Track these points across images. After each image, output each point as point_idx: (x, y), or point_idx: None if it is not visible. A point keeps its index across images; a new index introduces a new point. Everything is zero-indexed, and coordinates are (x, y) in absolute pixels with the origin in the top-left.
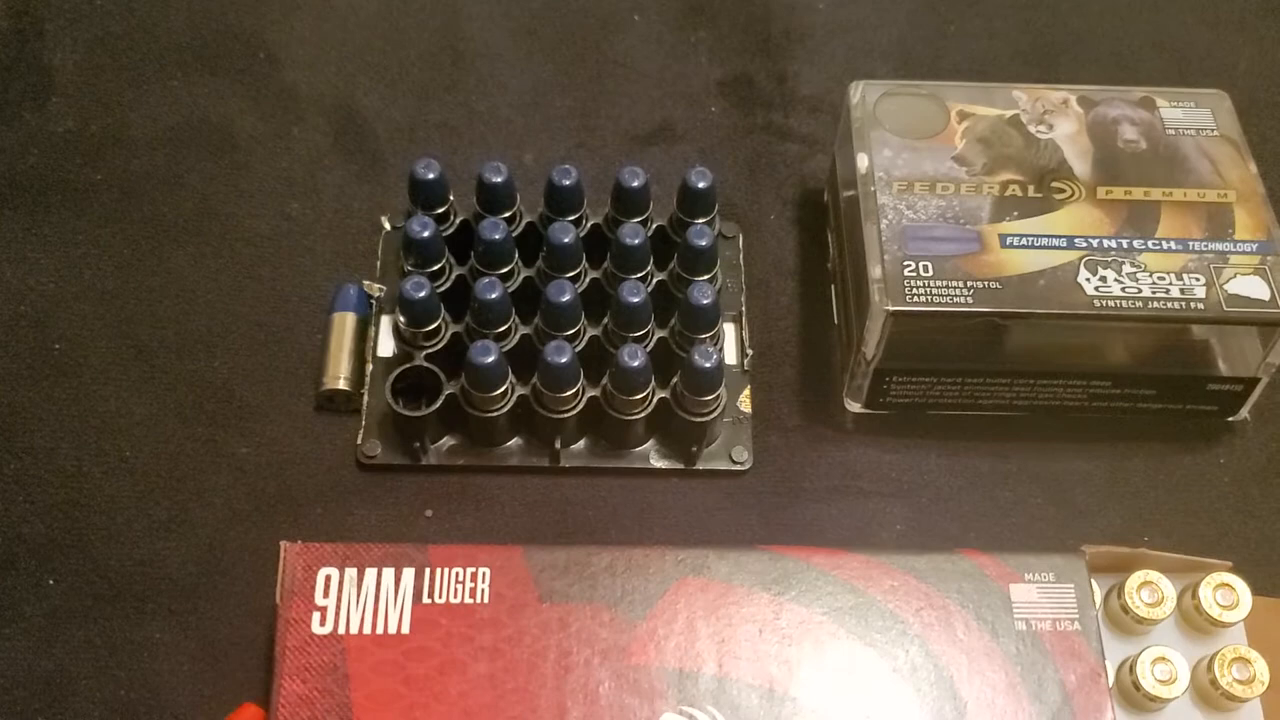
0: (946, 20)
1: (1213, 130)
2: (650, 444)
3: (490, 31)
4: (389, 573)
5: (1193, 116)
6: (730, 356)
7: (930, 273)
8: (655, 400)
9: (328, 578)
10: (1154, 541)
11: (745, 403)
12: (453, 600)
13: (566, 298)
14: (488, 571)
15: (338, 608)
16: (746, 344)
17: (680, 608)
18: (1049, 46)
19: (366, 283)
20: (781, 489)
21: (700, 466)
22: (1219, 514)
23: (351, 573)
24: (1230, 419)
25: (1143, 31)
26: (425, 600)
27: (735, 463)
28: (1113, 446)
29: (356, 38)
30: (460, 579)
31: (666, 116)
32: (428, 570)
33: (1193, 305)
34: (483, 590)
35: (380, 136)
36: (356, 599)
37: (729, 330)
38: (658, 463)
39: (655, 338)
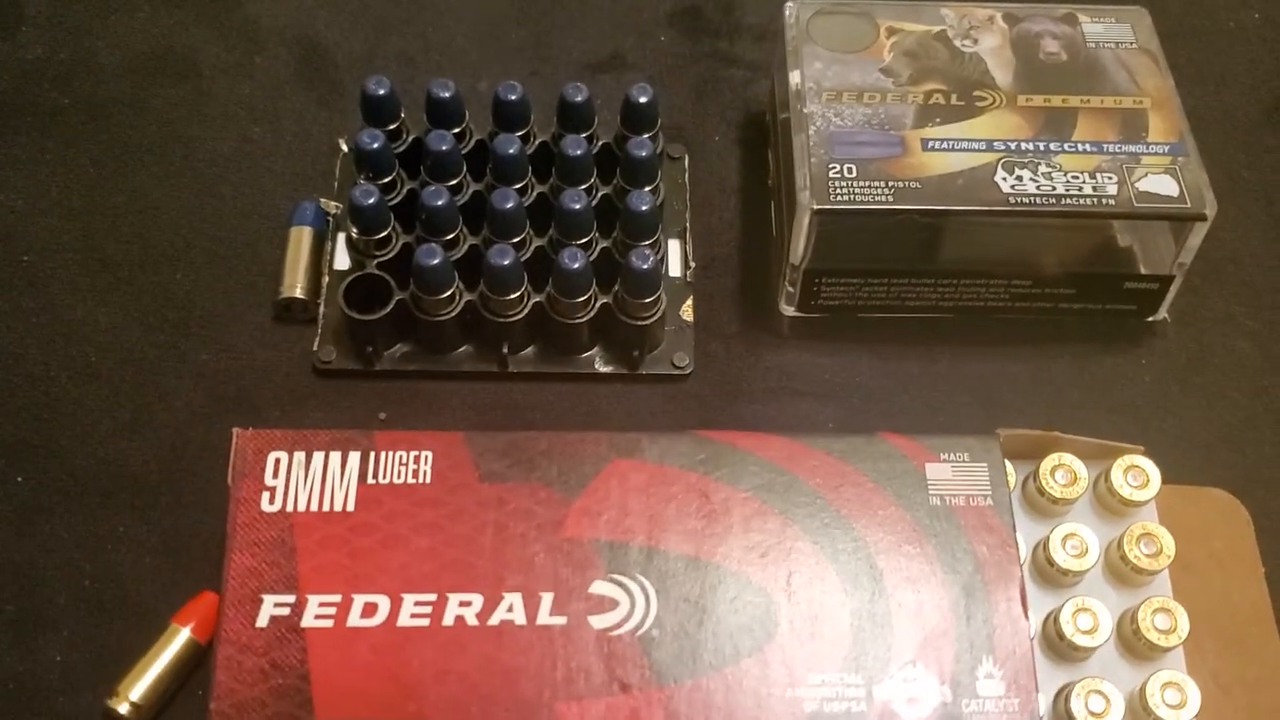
0: None
1: (1132, 43)
2: (595, 350)
3: None
4: (335, 456)
5: (1113, 31)
6: (675, 269)
7: (854, 174)
8: (598, 305)
9: (277, 461)
10: (1074, 432)
11: (688, 312)
12: (396, 481)
13: (510, 205)
14: (430, 454)
15: (286, 487)
16: (690, 257)
17: (613, 486)
18: None
19: (323, 200)
20: (720, 392)
21: (643, 371)
22: (1139, 411)
23: (300, 456)
24: (1150, 319)
25: None
26: (370, 481)
27: (676, 367)
28: (1037, 347)
29: None
30: (404, 461)
31: (617, 46)
32: (373, 454)
33: (1104, 201)
34: (425, 472)
35: (339, 65)
36: (304, 480)
37: (674, 245)
38: (602, 368)
39: (599, 247)
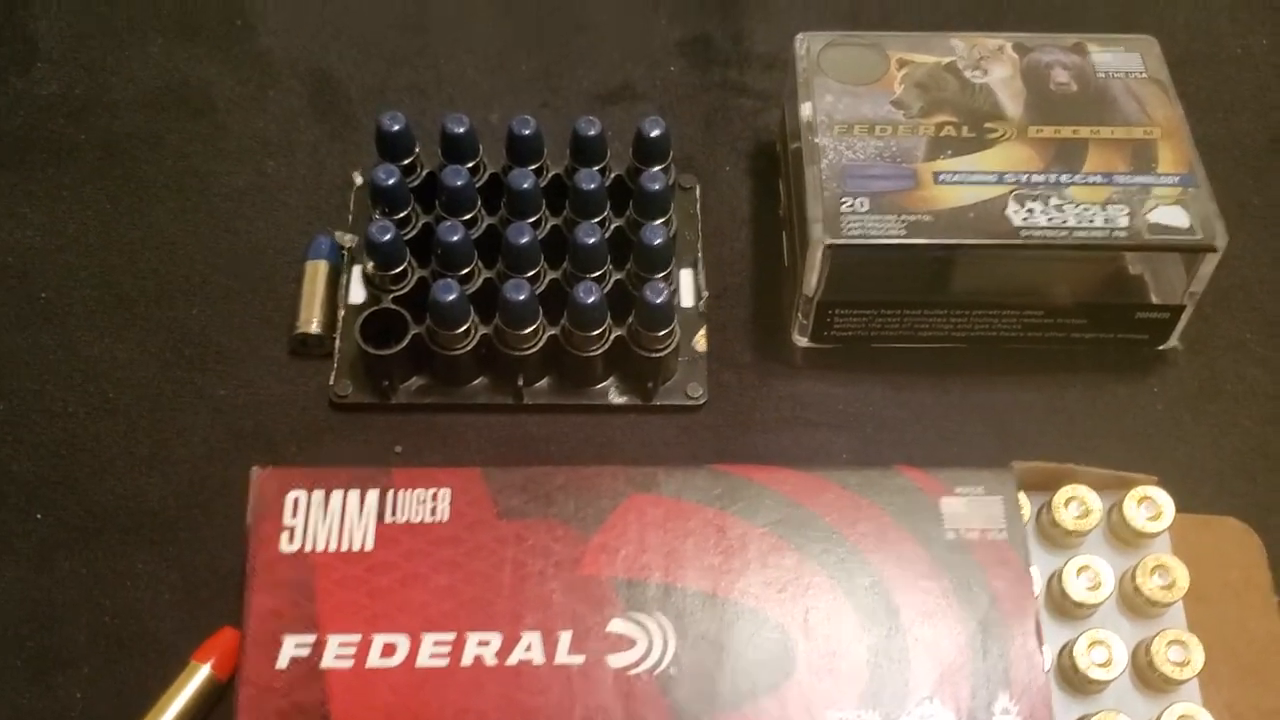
0: None
1: (1141, 73)
2: (609, 381)
3: None
4: (354, 494)
5: (1122, 60)
6: (688, 299)
7: (866, 208)
8: (612, 338)
9: (295, 500)
10: (1087, 462)
11: (701, 342)
12: (414, 519)
13: (525, 239)
14: (448, 491)
15: (305, 527)
16: (702, 287)
17: (630, 521)
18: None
19: (338, 233)
20: (734, 422)
21: (657, 402)
22: (1152, 439)
23: (318, 495)
24: (1161, 347)
25: None
26: (388, 519)
27: (690, 398)
28: (1050, 376)
29: (330, 5)
30: (422, 499)
31: (628, 76)
32: (391, 491)
33: (1115, 234)
34: (443, 509)
35: (352, 98)
36: (323, 519)
37: (686, 275)
38: (617, 399)
39: (612, 279)
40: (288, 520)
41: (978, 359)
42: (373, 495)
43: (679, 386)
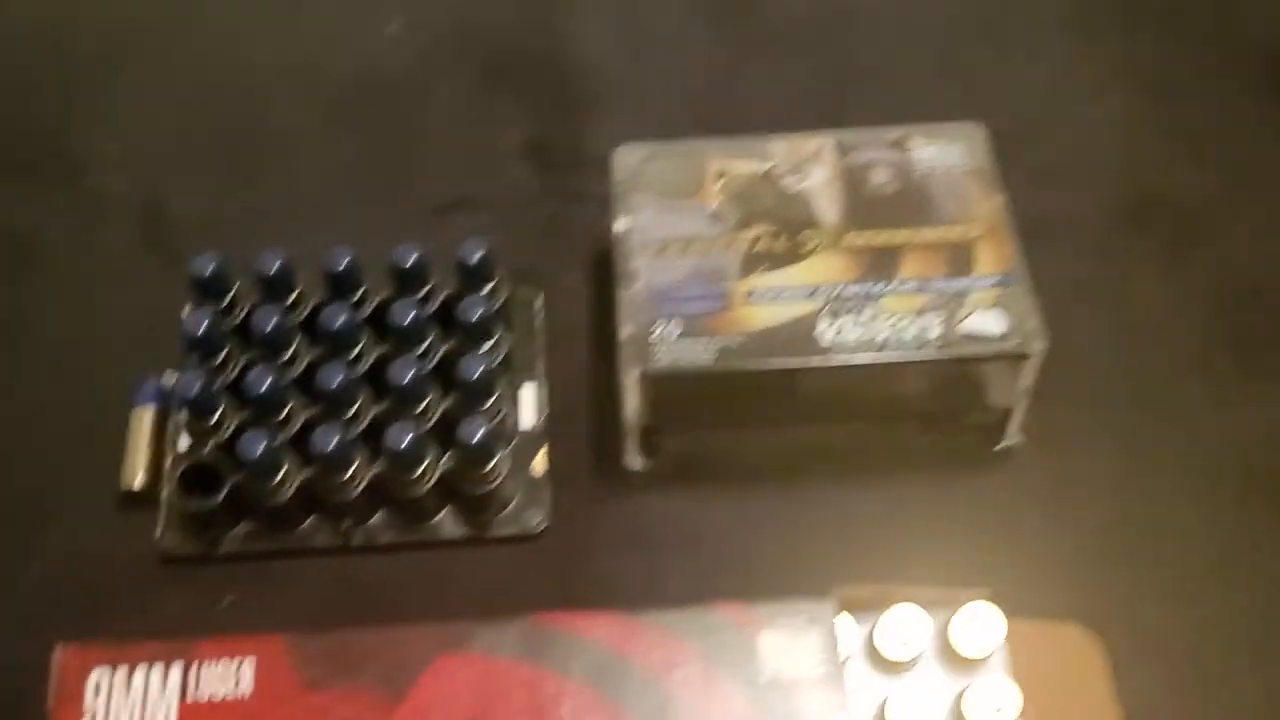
0: (740, 68)
1: (964, 166)
2: (444, 514)
3: (294, 115)
4: (157, 670)
5: (944, 153)
6: (528, 419)
7: (678, 333)
8: (437, 474)
9: (98, 682)
10: (926, 571)
11: (540, 464)
12: (216, 695)
13: (336, 382)
14: (253, 661)
15: (107, 710)
16: (542, 406)
17: (440, 685)
18: (840, 84)
19: (168, 374)
20: (572, 549)
21: (494, 534)
22: (994, 538)
23: (121, 673)
24: (998, 446)
25: (932, 60)
26: (190, 698)
27: (529, 526)
28: (890, 480)
29: (162, 136)
30: (225, 672)
31: (468, 185)
32: (195, 665)
33: (928, 346)
34: (247, 683)
35: (185, 229)
36: (125, 700)
37: (527, 393)
38: (452, 533)
39: (440, 409)
40: (89, 703)
41: (812, 471)
42: (176, 671)
43: (517, 514)
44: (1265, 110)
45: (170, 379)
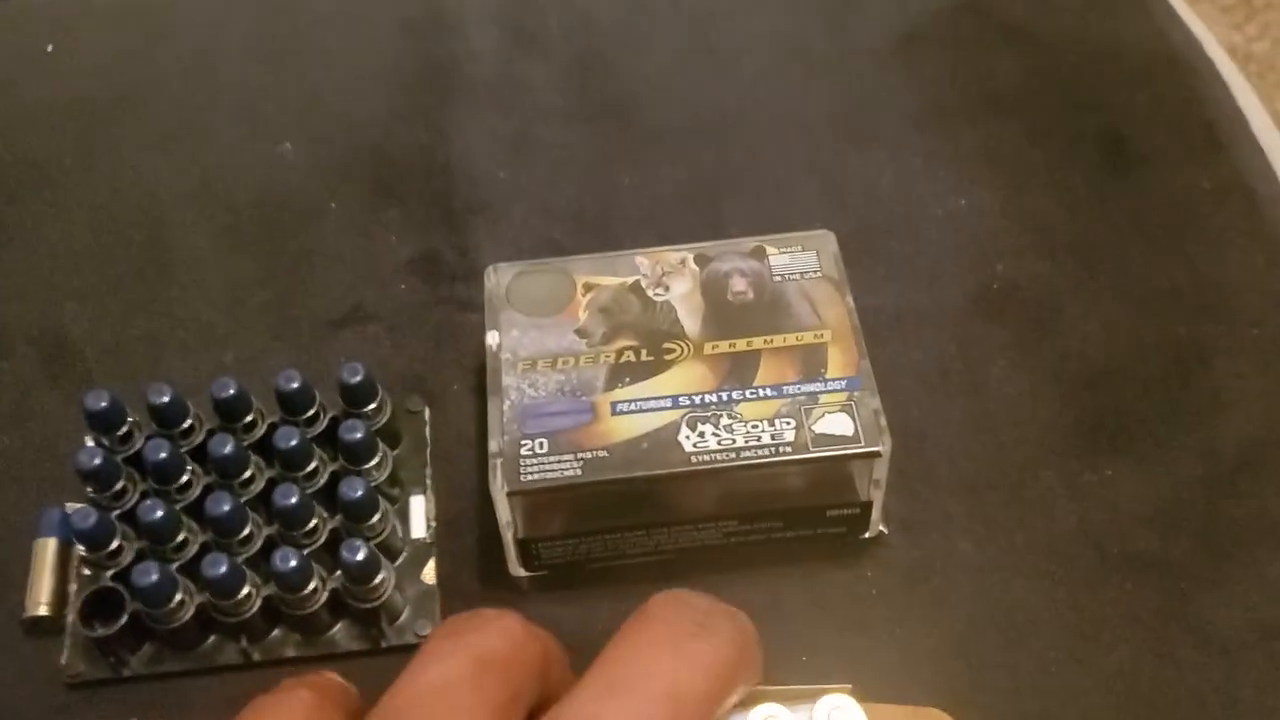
0: (621, 173)
1: (815, 272)
2: (339, 628)
3: (193, 237)
4: None
5: (798, 261)
6: (418, 529)
7: (545, 449)
8: (327, 592)
9: None
10: (796, 665)
11: (430, 574)
12: None
13: (224, 509)
14: None
15: None
16: (431, 516)
17: None
18: (714, 187)
19: (69, 505)
20: None
21: (388, 644)
22: (868, 625)
23: None
24: (865, 536)
25: (799, 159)
26: None
27: (420, 637)
28: (766, 574)
29: (66, 264)
30: None
31: (359, 298)
32: None
33: (782, 450)
34: None
35: (88, 358)
36: None
37: (417, 503)
38: (347, 645)
39: (328, 528)
40: None
41: (689, 568)
42: None
43: (409, 625)
44: (1104, 193)
45: (73, 509)
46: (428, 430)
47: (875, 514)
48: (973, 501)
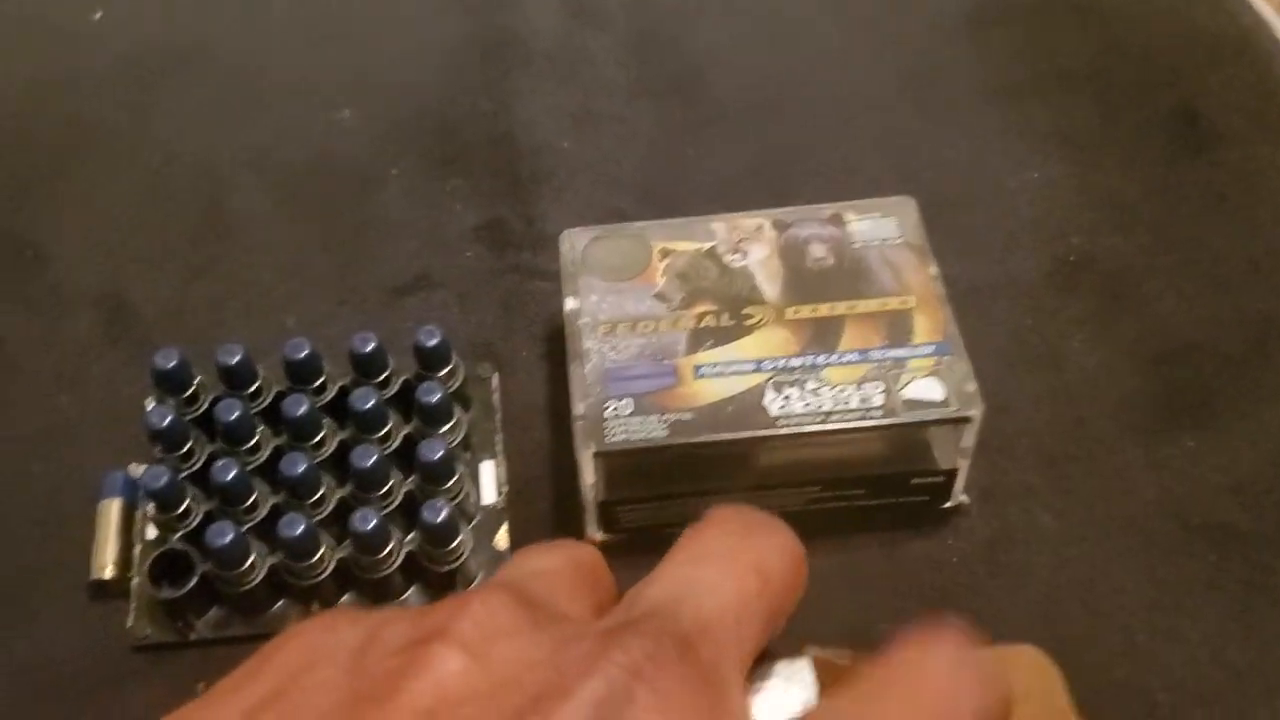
0: (685, 146)
1: (897, 238)
2: (411, 592)
3: (253, 202)
4: None
5: (878, 227)
6: (489, 495)
7: (630, 410)
8: (402, 555)
9: None
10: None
11: (503, 540)
12: None
13: (300, 470)
14: None
15: None
16: (503, 481)
17: None
18: (781, 160)
19: (132, 467)
20: None
21: None
22: (949, 594)
23: None
24: (946, 505)
25: (867, 133)
26: None
27: None
28: (845, 541)
29: (124, 226)
30: None
31: (424, 265)
32: None
33: (870, 414)
34: None
35: (148, 320)
36: None
37: (487, 469)
38: None
39: (401, 492)
40: None
41: None
42: None
43: None
44: (1180, 171)
45: (136, 471)
46: (497, 396)
47: (959, 483)
48: (1053, 474)
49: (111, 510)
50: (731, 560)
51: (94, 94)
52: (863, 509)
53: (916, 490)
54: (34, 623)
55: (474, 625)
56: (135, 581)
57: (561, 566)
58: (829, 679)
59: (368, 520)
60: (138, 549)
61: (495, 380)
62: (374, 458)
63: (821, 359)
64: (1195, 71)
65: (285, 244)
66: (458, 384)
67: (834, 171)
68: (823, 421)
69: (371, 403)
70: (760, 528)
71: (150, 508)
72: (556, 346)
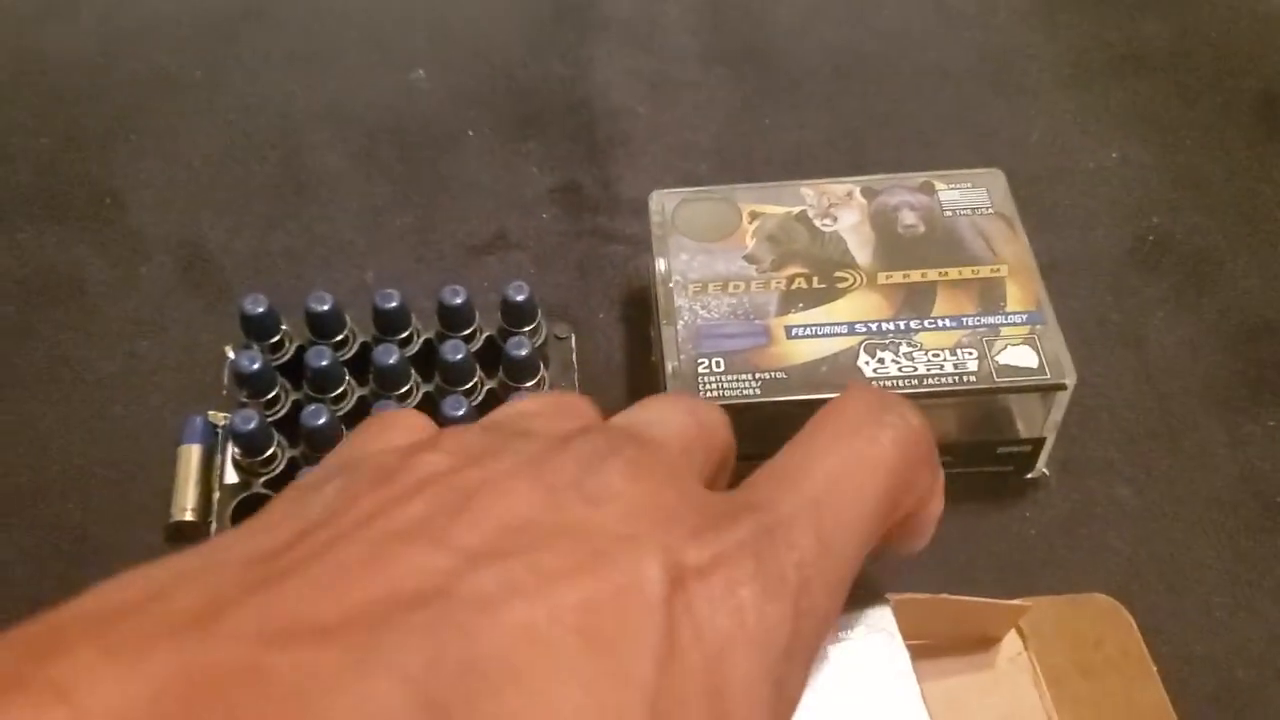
0: (761, 114)
1: (988, 208)
2: None
3: (329, 158)
4: None
5: (969, 197)
6: None
7: (722, 368)
8: None
9: None
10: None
11: None
12: None
13: None
14: None
15: None
16: None
17: None
18: (857, 132)
19: (211, 413)
20: None
21: None
22: (1026, 566)
23: None
24: (1029, 476)
25: (944, 108)
26: None
27: None
28: None
29: (201, 176)
30: None
31: (501, 226)
32: None
33: (965, 379)
34: None
35: (226, 269)
36: None
37: None
38: None
39: None
40: None
41: None
42: None
43: None
44: (1264, 153)
45: (215, 417)
46: (574, 357)
47: (1044, 454)
48: (1133, 450)
49: (192, 454)
50: (670, 405)
51: (172, 46)
52: (947, 478)
53: (1002, 460)
54: (112, 565)
55: (450, 438)
56: (214, 526)
57: (687, 423)
58: (911, 618)
59: None
60: (217, 494)
61: (573, 341)
62: (464, 409)
63: (915, 323)
64: (1273, 55)
65: (362, 200)
66: (541, 341)
67: (910, 145)
68: (918, 385)
69: (461, 355)
70: (689, 395)
71: (235, 451)
72: (633, 310)
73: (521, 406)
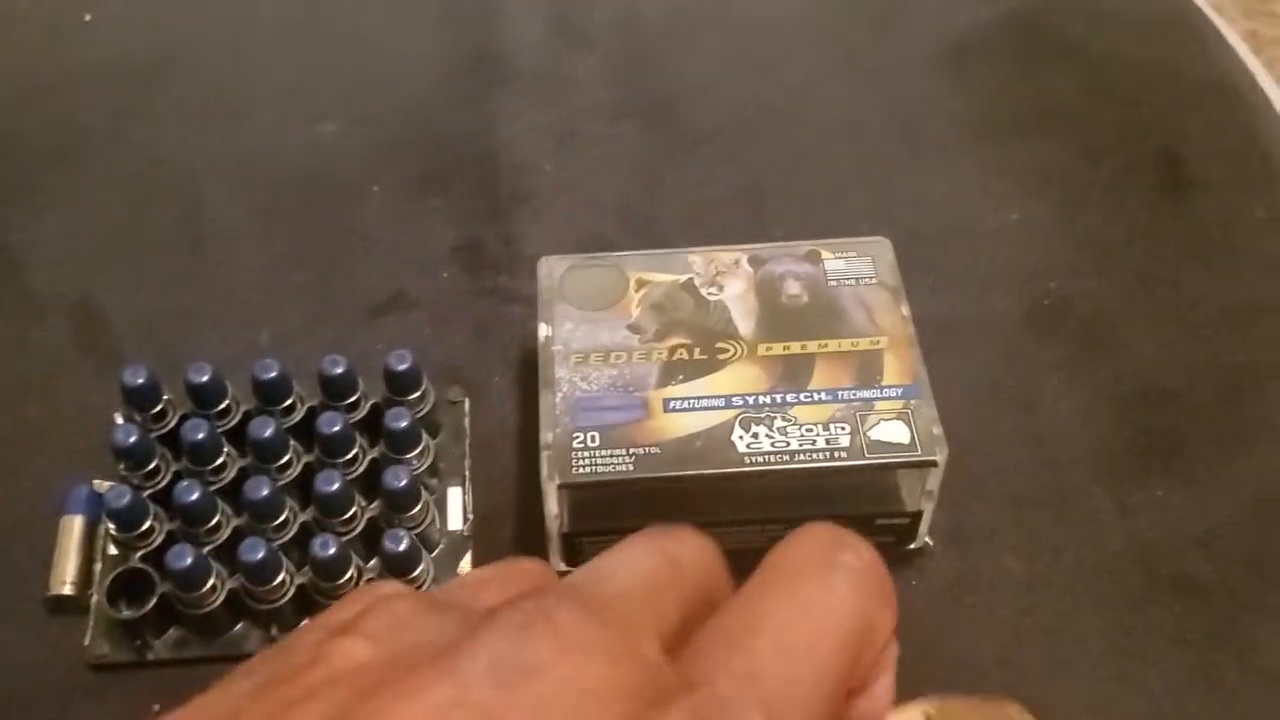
0: (666, 171)
1: (871, 278)
2: None
3: (230, 214)
4: None
5: (854, 266)
6: (455, 521)
7: (597, 443)
8: (364, 580)
9: None
10: None
11: (466, 567)
12: None
13: (263, 493)
14: None
15: None
16: (468, 508)
17: None
18: (760, 188)
19: (96, 481)
20: None
21: None
22: (913, 637)
23: None
24: (911, 546)
25: (848, 164)
26: None
27: None
28: None
29: (100, 233)
30: None
31: (400, 285)
32: None
33: (837, 454)
34: None
35: (120, 331)
36: None
37: (454, 494)
38: None
39: (365, 517)
40: None
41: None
42: None
43: None
44: (1162, 217)
45: (100, 486)
46: (467, 421)
47: (924, 525)
48: (1020, 517)
49: (74, 526)
50: (638, 548)
51: (79, 97)
52: None
53: (881, 531)
54: None
55: (377, 618)
56: (94, 599)
57: (657, 568)
58: None
59: (328, 547)
60: (98, 566)
61: (466, 405)
62: (337, 484)
63: (791, 397)
64: (1179, 116)
65: (261, 257)
66: (427, 409)
67: (812, 202)
68: (789, 460)
69: (338, 427)
70: (667, 530)
71: (110, 526)
72: (528, 372)
73: (469, 577)
